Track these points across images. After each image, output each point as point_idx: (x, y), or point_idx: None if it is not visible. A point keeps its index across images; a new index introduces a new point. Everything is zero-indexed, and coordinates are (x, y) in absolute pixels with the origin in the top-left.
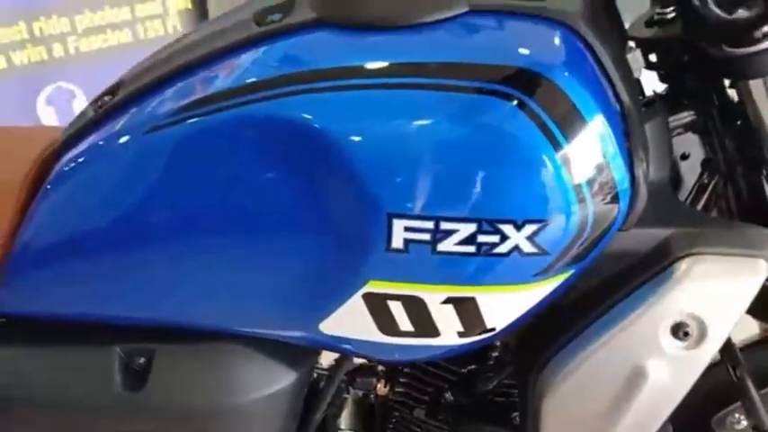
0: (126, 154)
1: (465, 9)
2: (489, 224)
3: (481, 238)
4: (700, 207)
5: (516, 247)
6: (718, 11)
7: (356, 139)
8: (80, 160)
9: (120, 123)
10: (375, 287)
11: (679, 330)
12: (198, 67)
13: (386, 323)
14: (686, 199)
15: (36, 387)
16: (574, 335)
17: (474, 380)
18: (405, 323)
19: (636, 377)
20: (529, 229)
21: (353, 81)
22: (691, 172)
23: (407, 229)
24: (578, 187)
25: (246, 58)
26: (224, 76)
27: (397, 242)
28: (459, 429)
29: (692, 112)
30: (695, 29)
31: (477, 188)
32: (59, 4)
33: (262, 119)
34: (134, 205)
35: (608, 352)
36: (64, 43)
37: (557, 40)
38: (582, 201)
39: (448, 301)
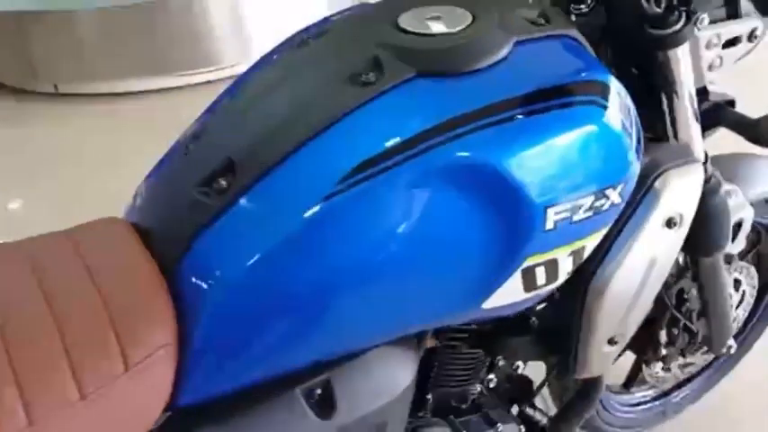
0: (298, 228)
1: (515, 40)
2: (601, 192)
3: (596, 204)
4: None
5: (612, 204)
6: (651, 7)
7: (515, 164)
8: (243, 243)
9: (271, 201)
10: (530, 261)
11: (670, 222)
12: (316, 136)
13: (530, 284)
14: None
15: None
16: (607, 249)
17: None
18: (541, 279)
19: (651, 263)
20: (619, 187)
21: (486, 120)
22: None
23: (556, 213)
24: (637, 148)
25: (378, 114)
26: (372, 136)
27: (549, 225)
28: (497, 352)
29: None
30: (624, 18)
31: (595, 172)
32: None
33: (434, 166)
34: (323, 267)
35: (634, 253)
36: None
37: (581, 50)
38: (639, 157)
39: (570, 254)
